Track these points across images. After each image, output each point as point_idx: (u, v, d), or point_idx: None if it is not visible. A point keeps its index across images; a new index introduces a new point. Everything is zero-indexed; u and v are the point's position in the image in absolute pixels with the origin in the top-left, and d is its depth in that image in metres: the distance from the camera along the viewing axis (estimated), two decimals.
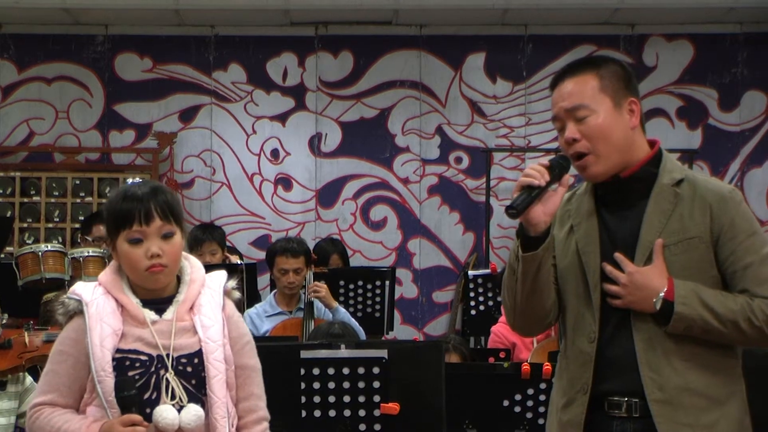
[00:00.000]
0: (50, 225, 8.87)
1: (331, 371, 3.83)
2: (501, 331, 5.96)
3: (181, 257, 3.17)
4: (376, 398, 3.84)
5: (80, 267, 5.99)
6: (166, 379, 3.02)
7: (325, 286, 6.23)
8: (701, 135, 9.07)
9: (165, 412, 2.99)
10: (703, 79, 9.08)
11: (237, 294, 3.24)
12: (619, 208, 3.14)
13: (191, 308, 3.12)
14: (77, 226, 8.32)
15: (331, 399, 3.84)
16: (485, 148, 9.01)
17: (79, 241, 7.13)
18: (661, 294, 2.99)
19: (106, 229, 3.15)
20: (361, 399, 3.85)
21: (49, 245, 6.19)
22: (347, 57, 9.14)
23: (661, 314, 3.00)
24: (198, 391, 3.06)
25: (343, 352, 3.87)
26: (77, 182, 8.91)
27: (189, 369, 3.05)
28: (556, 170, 3.09)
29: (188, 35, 9.10)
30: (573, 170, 3.17)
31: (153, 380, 3.03)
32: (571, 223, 3.19)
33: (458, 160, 9.12)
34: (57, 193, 8.89)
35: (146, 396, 3.01)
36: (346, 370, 3.84)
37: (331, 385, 3.84)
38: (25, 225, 8.87)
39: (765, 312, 2.98)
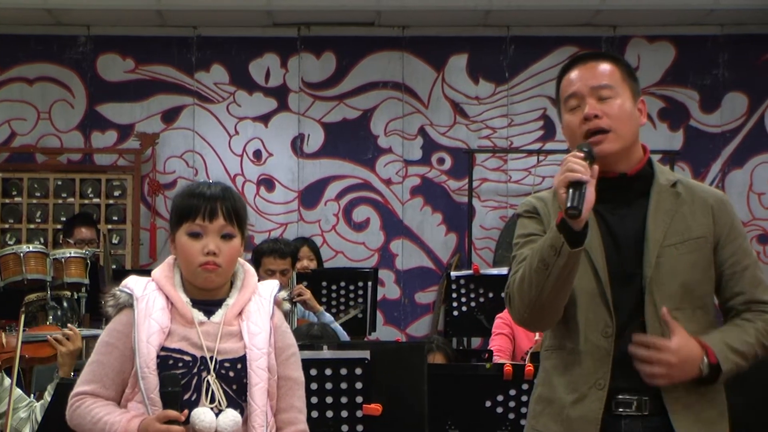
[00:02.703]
0: (32, 226, 8.85)
1: (313, 372, 3.83)
2: (507, 317, 5.91)
3: (237, 263, 3.17)
4: (359, 399, 3.85)
5: (62, 268, 5.98)
6: (207, 381, 3.01)
7: (308, 291, 6.20)
8: (683, 136, 9.11)
9: (203, 414, 2.98)
10: (684, 81, 9.11)
11: (287, 305, 3.23)
12: (618, 206, 3.15)
13: (240, 314, 3.11)
14: (59, 227, 8.30)
15: (314, 400, 3.84)
16: (467, 149, 9.02)
17: (60, 242, 7.12)
18: (706, 360, 2.99)
19: (170, 221, 3.15)
20: (344, 400, 3.86)
21: (30, 246, 6.17)
22: (330, 58, 9.15)
23: (707, 377, 3.00)
24: (238, 397, 3.04)
25: (326, 353, 3.87)
26: (59, 183, 8.89)
27: (231, 374, 3.04)
28: (589, 161, 3.02)
29: (170, 36, 9.09)
30: None
31: (194, 381, 3.02)
32: None
33: (441, 161, 9.13)
34: (39, 194, 8.88)
35: (186, 397, 3.00)
36: (328, 371, 3.84)
37: (314, 386, 3.84)
38: (7, 226, 8.85)
39: None
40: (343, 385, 3.84)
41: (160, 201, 9.02)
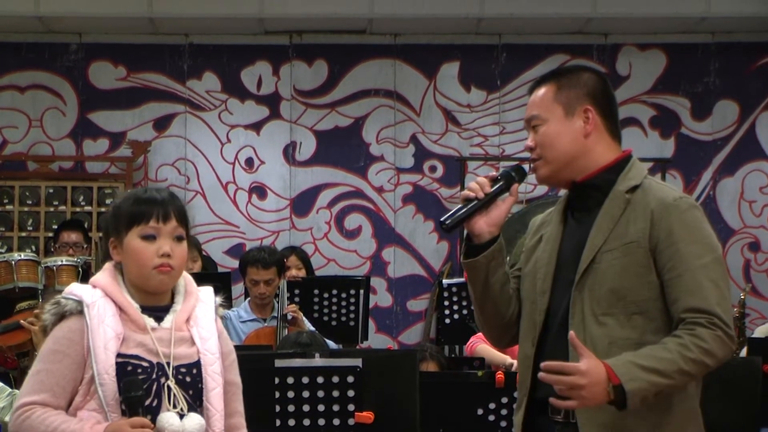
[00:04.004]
0: (23, 234, 8.83)
1: (305, 380, 3.84)
2: None
3: None
4: (351, 407, 3.85)
5: (53, 276, 5.98)
6: (168, 386, 3.01)
7: (300, 312, 6.20)
8: (674, 144, 9.13)
9: (171, 418, 2.98)
10: (675, 89, 9.13)
11: (222, 310, 3.25)
12: (582, 214, 3.19)
13: (188, 320, 3.12)
14: (51, 234, 8.29)
15: (306, 408, 3.84)
16: (459, 157, 9.03)
17: (52, 250, 7.12)
18: (609, 381, 2.86)
19: (114, 227, 3.12)
20: (336, 408, 3.86)
21: (22, 254, 6.19)
22: (322, 66, 9.15)
23: (616, 400, 2.88)
24: (194, 402, 3.04)
25: (318, 361, 3.87)
26: (51, 191, 8.87)
27: (188, 379, 3.05)
28: (503, 182, 3.19)
29: (162, 43, 9.09)
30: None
31: (154, 387, 3.01)
32: (542, 232, 3.24)
33: (432, 168, 9.14)
34: (30, 202, 8.86)
35: (146, 403, 2.99)
36: (320, 379, 3.84)
37: (306, 394, 3.84)
38: None
39: (698, 344, 2.92)
40: (335, 393, 3.85)
41: None
